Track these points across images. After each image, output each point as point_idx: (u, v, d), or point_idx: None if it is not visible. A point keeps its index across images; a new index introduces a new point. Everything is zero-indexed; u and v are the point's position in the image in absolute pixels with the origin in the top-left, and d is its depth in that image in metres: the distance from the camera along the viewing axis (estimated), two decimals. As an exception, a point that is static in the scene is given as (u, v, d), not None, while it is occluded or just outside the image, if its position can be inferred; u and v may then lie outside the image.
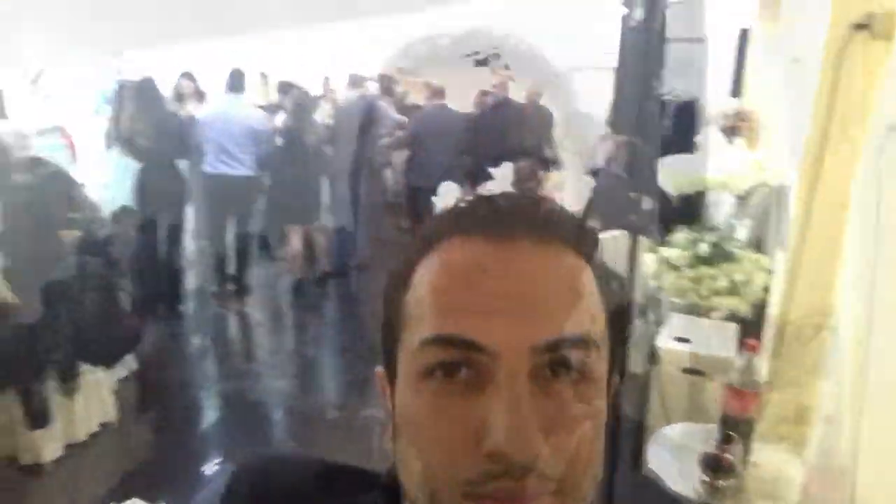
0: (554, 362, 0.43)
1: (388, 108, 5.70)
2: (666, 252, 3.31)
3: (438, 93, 5.70)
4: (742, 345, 1.65)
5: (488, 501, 0.41)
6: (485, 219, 0.45)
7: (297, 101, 5.06)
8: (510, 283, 0.43)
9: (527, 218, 0.46)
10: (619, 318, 0.49)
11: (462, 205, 0.48)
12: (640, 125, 2.09)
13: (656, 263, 3.31)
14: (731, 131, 4.99)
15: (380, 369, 0.51)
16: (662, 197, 3.26)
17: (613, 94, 2.34)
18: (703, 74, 9.26)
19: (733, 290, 3.26)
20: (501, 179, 4.91)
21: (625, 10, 2.47)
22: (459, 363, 0.43)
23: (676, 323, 2.98)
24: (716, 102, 8.06)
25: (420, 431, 0.44)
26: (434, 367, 0.43)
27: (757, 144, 3.73)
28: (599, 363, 0.45)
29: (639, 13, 2.15)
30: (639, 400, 2.69)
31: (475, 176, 5.27)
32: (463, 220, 0.46)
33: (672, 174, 3.23)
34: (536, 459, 0.40)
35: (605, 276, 0.48)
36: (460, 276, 0.44)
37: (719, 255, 3.33)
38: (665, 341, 2.78)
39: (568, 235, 0.46)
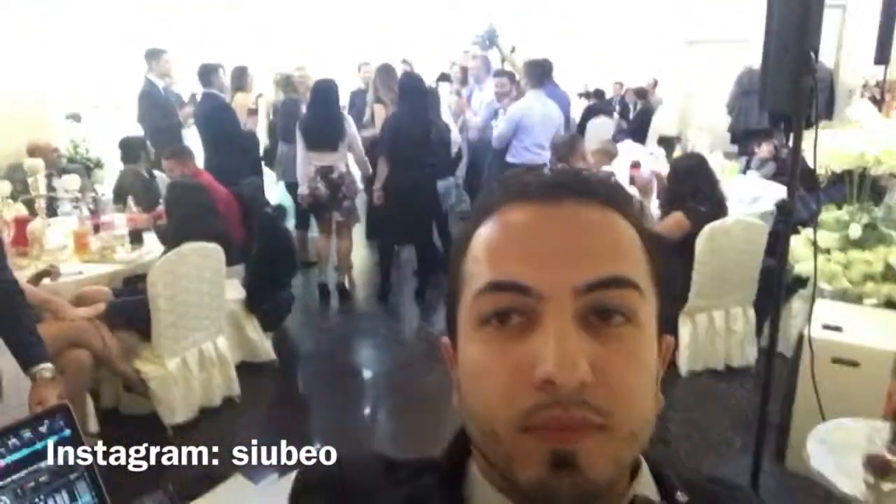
0: (599, 305, 0.46)
1: None
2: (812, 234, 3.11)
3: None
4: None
5: (541, 432, 0.44)
6: (533, 186, 0.50)
7: None
8: (555, 236, 0.47)
9: (570, 183, 0.50)
10: (661, 274, 0.51)
11: (513, 177, 0.52)
12: (797, 101, 1.96)
13: (802, 246, 3.13)
14: (878, 102, 4.59)
15: (444, 339, 0.55)
16: (810, 174, 3.06)
17: (761, 69, 2.18)
18: (841, 42, 8.62)
19: (889, 275, 3.02)
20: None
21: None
22: (511, 310, 0.46)
23: (827, 309, 2.80)
24: (856, 71, 7.50)
25: (479, 376, 0.47)
26: (489, 315, 0.47)
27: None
28: (645, 310, 0.48)
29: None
30: (786, 390, 2.56)
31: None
32: (514, 190, 0.51)
33: (820, 151, 3.02)
34: (582, 387, 0.43)
35: (646, 234, 0.51)
36: (510, 233, 0.49)
37: (873, 238, 3.09)
38: (814, 329, 2.60)
39: (609, 197, 0.50)
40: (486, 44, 8.32)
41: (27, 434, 0.93)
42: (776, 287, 2.19)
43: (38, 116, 4.98)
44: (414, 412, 3.50)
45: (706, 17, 10.99)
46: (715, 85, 10.02)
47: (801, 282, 3.35)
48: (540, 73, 4.85)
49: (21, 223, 3.41)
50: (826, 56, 7.28)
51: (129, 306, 3.04)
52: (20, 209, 3.58)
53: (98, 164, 4.99)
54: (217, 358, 3.28)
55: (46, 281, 3.05)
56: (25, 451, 0.95)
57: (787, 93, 2.06)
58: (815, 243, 2.37)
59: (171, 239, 3.21)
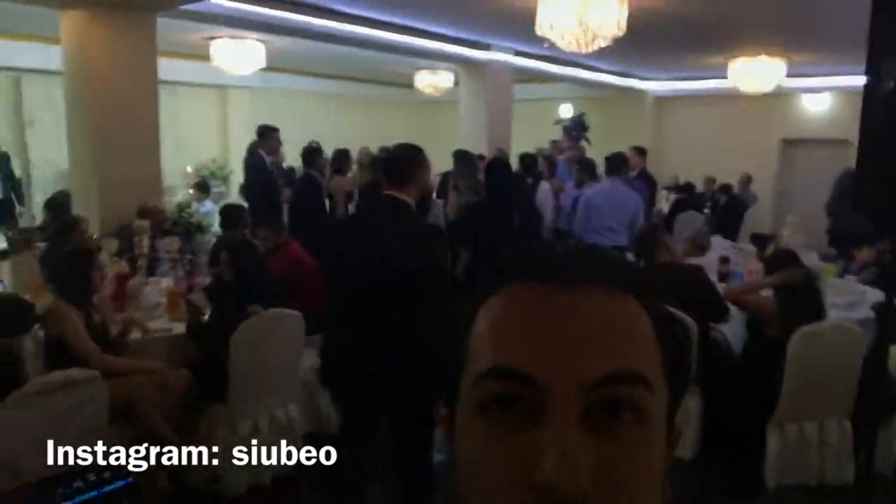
0: (606, 400, 0.44)
1: None
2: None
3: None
4: None
5: None
6: (546, 266, 0.48)
7: None
8: (564, 324, 0.45)
9: (586, 265, 0.48)
10: (680, 365, 0.49)
11: (525, 252, 0.51)
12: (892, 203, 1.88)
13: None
14: None
15: (444, 412, 0.52)
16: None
17: (856, 170, 2.12)
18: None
19: None
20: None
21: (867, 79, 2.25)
22: (513, 398, 0.44)
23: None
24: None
25: (476, 465, 0.45)
26: (489, 400, 0.45)
27: None
28: (655, 406, 0.46)
29: (891, 83, 1.97)
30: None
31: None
32: (525, 267, 0.49)
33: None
34: (583, 496, 0.41)
35: (666, 322, 0.49)
36: (518, 315, 0.46)
37: None
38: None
39: (627, 283, 0.48)
40: (574, 133, 8.46)
41: (92, 478, 0.97)
42: (872, 399, 2.03)
43: (153, 181, 5.34)
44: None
45: (804, 117, 10.83)
46: (812, 184, 9.73)
47: (904, 396, 3.09)
48: (616, 163, 5.13)
49: (122, 279, 3.64)
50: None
51: (210, 364, 3.14)
52: (123, 267, 3.84)
53: (199, 228, 5.31)
54: (287, 424, 3.32)
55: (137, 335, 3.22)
56: (89, 495, 0.98)
57: (885, 195, 1.98)
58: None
59: (227, 298, 3.29)
